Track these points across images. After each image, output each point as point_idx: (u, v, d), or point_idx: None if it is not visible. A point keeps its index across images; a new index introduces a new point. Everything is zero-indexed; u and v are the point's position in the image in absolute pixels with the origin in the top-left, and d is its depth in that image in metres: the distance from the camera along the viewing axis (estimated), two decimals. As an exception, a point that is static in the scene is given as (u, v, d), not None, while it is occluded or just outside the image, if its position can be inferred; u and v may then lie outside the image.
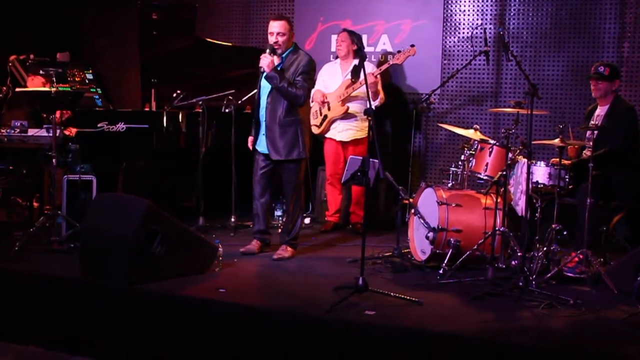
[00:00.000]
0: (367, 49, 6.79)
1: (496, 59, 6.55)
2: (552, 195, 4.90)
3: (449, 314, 4.01)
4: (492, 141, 5.12)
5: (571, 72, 6.33)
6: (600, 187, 4.91)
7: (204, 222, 6.07)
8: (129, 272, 4.32)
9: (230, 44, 7.22)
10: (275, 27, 5.11)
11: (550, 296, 4.24)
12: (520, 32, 6.50)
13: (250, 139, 5.36)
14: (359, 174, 4.41)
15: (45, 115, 5.54)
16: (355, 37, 6.15)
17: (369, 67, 6.09)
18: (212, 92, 6.23)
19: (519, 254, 4.70)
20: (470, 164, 5.20)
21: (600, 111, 5.27)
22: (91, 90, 6.77)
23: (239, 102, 6.35)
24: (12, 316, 4.57)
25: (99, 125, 5.95)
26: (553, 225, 4.80)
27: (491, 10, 6.60)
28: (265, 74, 5.05)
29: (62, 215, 5.44)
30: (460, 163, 5.33)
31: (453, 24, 6.75)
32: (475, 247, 4.86)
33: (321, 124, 6.29)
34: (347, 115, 6.17)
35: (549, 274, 4.63)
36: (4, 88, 6.00)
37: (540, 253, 4.71)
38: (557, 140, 4.76)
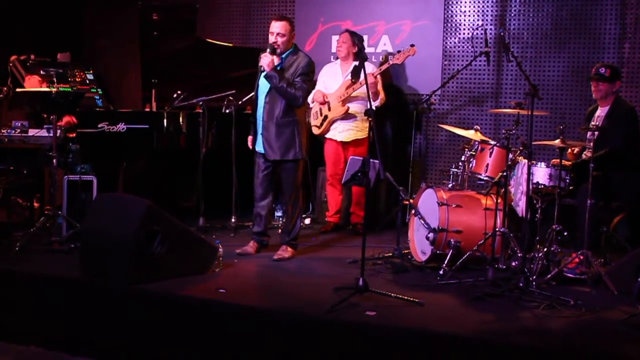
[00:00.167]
0: (367, 50, 6.79)
1: (497, 60, 6.55)
2: (552, 196, 4.89)
3: (449, 315, 4.01)
4: (492, 142, 5.12)
5: (572, 72, 6.33)
6: (600, 188, 4.91)
7: (204, 222, 6.07)
8: (129, 272, 4.32)
9: (230, 45, 7.23)
10: (276, 27, 5.12)
11: (551, 297, 4.24)
12: (520, 33, 6.50)
13: (250, 138, 5.37)
14: (359, 174, 4.41)
15: (45, 116, 5.55)
16: (356, 39, 6.19)
17: (370, 68, 6.09)
18: (213, 93, 6.23)
19: (519, 254, 4.70)
20: (471, 164, 5.20)
21: (601, 112, 5.27)
22: (92, 90, 6.78)
23: (240, 102, 6.35)
24: (13, 316, 4.57)
25: (99, 125, 5.95)
26: (553, 226, 4.79)
27: (492, 11, 6.60)
28: (265, 73, 5.06)
29: (62, 216, 5.45)
30: (460, 164, 5.33)
31: (454, 25, 6.75)
32: (476, 247, 4.86)
33: (321, 124, 6.29)
34: (347, 116, 6.17)
35: (549, 275, 4.63)
36: (5, 88, 6.01)
37: (540, 254, 4.70)
38: (557, 141, 4.76)
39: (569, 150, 5.29)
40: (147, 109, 6.70)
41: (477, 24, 6.62)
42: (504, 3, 6.55)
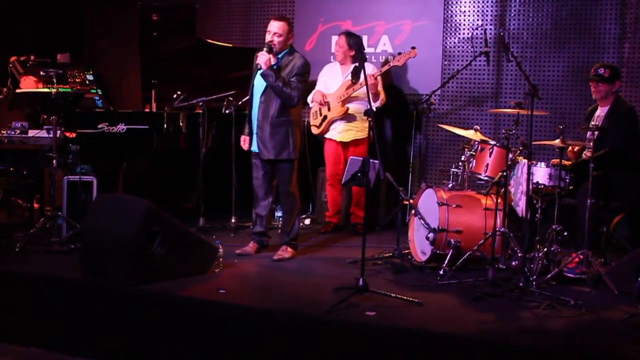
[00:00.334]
0: (367, 50, 6.79)
1: (496, 60, 6.55)
2: (552, 196, 4.89)
3: (449, 315, 4.01)
4: (492, 142, 5.12)
5: (571, 72, 6.33)
6: (600, 188, 4.91)
7: (204, 223, 6.07)
8: (129, 273, 4.32)
9: (230, 45, 7.22)
10: (274, 27, 5.14)
11: (551, 297, 4.23)
12: (520, 33, 6.50)
13: (243, 138, 5.37)
14: (359, 174, 4.41)
15: (44, 117, 5.55)
16: (352, 42, 6.17)
17: (370, 68, 6.09)
18: (213, 93, 6.23)
19: (519, 254, 4.70)
20: (471, 164, 5.20)
21: (601, 112, 5.27)
22: (91, 91, 6.78)
23: (239, 103, 6.35)
24: (13, 317, 4.57)
25: (99, 126, 5.95)
26: (553, 226, 4.79)
27: (491, 11, 6.60)
28: (261, 71, 5.07)
29: (62, 216, 5.45)
30: (460, 164, 5.33)
31: (453, 25, 6.75)
32: (476, 247, 4.86)
33: (320, 124, 6.29)
34: (347, 116, 6.17)
35: (550, 275, 4.63)
36: (5, 89, 6.01)
37: (540, 254, 4.70)
38: (557, 141, 4.76)
39: (570, 148, 5.29)
40: (147, 110, 6.70)
41: (477, 24, 6.62)
42: (503, 3, 6.55)
